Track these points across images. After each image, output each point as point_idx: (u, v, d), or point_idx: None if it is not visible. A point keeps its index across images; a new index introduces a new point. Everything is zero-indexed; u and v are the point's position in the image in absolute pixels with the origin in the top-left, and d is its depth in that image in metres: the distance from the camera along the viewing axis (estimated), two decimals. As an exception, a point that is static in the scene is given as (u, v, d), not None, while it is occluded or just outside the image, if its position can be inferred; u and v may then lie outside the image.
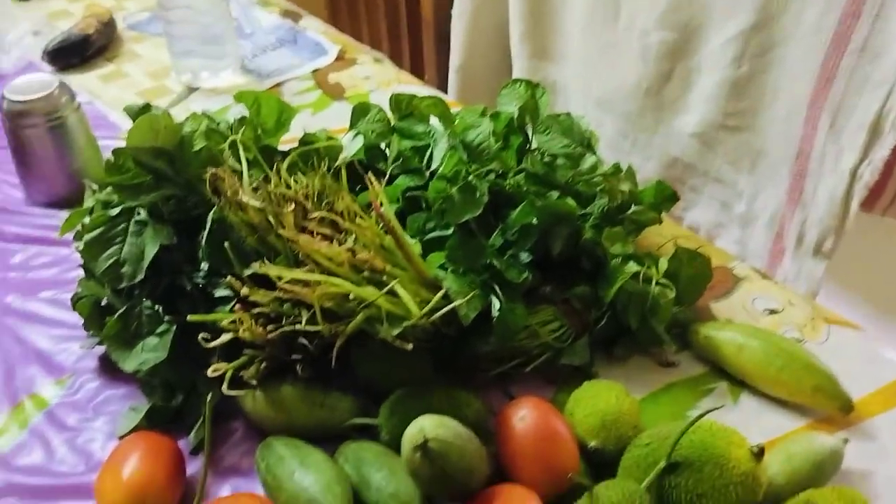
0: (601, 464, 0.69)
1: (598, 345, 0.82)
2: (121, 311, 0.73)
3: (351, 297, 0.66)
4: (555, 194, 0.80)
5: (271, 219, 0.71)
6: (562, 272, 0.82)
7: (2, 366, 0.83)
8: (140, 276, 0.73)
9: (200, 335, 0.68)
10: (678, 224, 1.14)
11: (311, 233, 0.70)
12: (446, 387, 0.73)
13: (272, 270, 0.66)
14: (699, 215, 1.14)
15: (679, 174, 1.14)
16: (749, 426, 0.71)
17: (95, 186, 0.80)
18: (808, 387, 0.75)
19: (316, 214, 0.70)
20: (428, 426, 0.60)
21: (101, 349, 0.82)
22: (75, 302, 0.80)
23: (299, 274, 0.66)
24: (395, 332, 0.65)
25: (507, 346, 0.76)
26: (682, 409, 0.78)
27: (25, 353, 0.85)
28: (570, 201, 0.80)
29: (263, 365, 0.73)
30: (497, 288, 0.75)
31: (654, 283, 0.79)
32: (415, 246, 0.75)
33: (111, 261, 0.73)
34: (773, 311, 0.89)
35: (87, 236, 0.73)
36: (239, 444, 0.75)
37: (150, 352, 0.72)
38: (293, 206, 0.70)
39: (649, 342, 0.82)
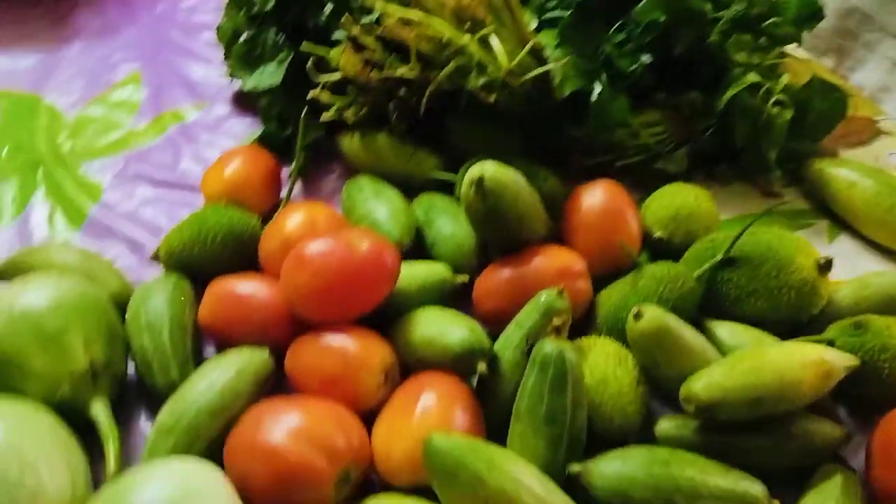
0: (666, 255, 0.68)
1: (700, 160, 0.79)
2: (249, 35, 0.79)
3: (444, 40, 0.67)
4: (688, -10, 0.75)
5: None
6: (679, 79, 0.78)
7: (154, 84, 0.94)
8: (270, 5, 0.78)
9: (310, 62, 0.73)
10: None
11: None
12: (530, 161, 0.74)
13: (378, 4, 0.69)
14: (866, 76, 1.02)
15: (854, 27, 1.02)
16: (840, 267, 0.67)
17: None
18: (912, 231, 0.70)
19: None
20: (488, 166, 0.62)
21: (239, 84, 0.90)
22: (218, 30, 0.88)
23: (402, 10, 0.68)
24: (481, 81, 0.67)
25: (603, 137, 0.76)
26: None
27: (176, 79, 0.95)
28: (704, 1, 0.75)
29: (364, 110, 0.77)
30: (604, 76, 0.73)
31: (772, 100, 0.74)
32: (528, 16, 0.74)
33: (246, -13, 0.79)
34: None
35: (228, -36, 0.79)
36: (335, 181, 0.81)
37: (268, 76, 0.78)
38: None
39: (756, 167, 0.78)
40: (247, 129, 0.87)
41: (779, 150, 0.78)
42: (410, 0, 0.71)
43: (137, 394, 0.63)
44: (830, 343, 0.58)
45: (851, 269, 0.71)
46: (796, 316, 0.61)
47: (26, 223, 0.77)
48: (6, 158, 0.84)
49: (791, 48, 0.97)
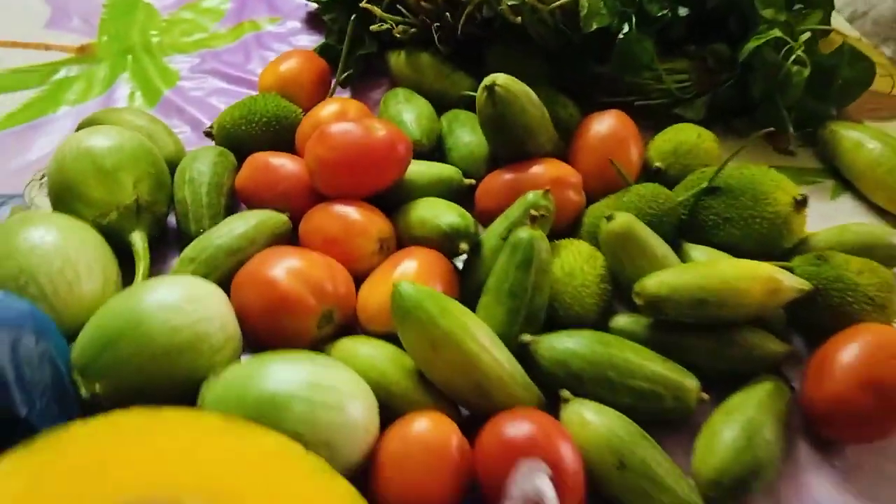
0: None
1: (721, 113, 0.82)
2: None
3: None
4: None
5: None
6: (709, 32, 0.82)
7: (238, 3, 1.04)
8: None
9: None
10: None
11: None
12: (553, 89, 0.79)
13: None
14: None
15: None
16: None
17: None
18: (911, 194, 0.72)
19: None
20: (502, 76, 0.68)
21: (314, 6, 0.99)
22: (298, -50, 0.96)
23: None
24: (510, 1, 0.72)
25: (626, 76, 0.80)
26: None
27: (259, -4, 1.05)
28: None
29: (413, 30, 0.84)
30: (633, 18, 0.77)
31: (791, 58, 0.77)
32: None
33: None
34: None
35: None
36: (381, 94, 0.88)
37: (332, -12, 0.86)
38: None
39: (771, 122, 0.80)
40: (313, 43, 0.96)
41: (800, 111, 0.80)
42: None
43: (175, 241, 0.72)
44: (790, 269, 0.61)
45: (847, 226, 0.73)
46: (767, 245, 0.64)
47: (110, 97, 0.88)
48: (104, 44, 0.96)
49: (849, 31, 0.98)
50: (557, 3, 0.73)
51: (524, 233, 0.59)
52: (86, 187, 0.65)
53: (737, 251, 0.64)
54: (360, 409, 0.52)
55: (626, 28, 0.77)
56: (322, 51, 0.90)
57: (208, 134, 0.78)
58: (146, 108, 0.87)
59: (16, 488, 0.36)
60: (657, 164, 0.72)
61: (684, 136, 0.73)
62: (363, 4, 0.81)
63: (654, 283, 0.57)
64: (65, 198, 0.66)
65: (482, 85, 0.68)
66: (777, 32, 0.76)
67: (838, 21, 1.03)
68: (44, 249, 0.59)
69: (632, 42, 0.77)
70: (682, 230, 0.67)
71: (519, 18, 0.73)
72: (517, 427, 0.51)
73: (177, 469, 0.39)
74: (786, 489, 0.56)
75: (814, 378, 0.57)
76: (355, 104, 0.76)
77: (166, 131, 0.77)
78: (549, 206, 0.63)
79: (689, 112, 0.81)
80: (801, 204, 0.63)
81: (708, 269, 0.58)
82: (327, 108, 0.74)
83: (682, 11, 0.80)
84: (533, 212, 0.61)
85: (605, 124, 0.72)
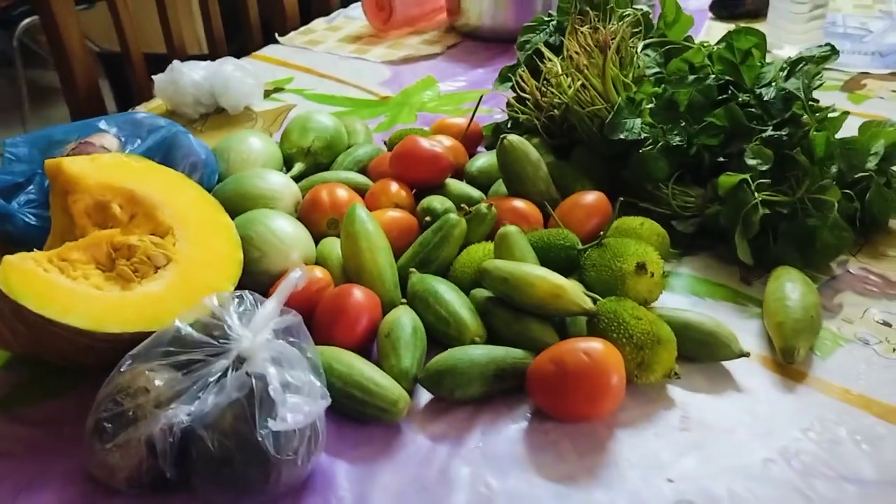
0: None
1: (711, 238, 0.95)
2: (510, 66, 1.25)
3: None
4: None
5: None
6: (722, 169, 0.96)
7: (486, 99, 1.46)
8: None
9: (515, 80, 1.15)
10: None
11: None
12: (583, 174, 1.02)
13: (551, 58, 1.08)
14: None
15: None
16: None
17: None
18: (774, 322, 0.79)
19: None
20: (514, 135, 0.96)
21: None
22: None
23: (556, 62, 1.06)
24: (560, 103, 1.00)
25: (639, 183, 0.99)
26: (700, 293, 0.89)
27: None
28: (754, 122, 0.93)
29: (535, 121, 1.15)
30: (660, 147, 0.97)
31: (755, 199, 0.88)
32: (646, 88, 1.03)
33: None
34: (885, 323, 0.83)
35: None
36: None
37: (503, 87, 1.23)
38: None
39: (734, 250, 0.91)
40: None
41: (774, 255, 0.90)
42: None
43: (330, 186, 1.15)
44: (594, 299, 0.77)
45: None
46: (607, 293, 0.80)
47: (370, 120, 1.37)
48: (395, 98, 1.47)
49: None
50: (589, 109, 0.99)
51: (451, 214, 0.88)
52: (291, 133, 1.13)
53: (591, 290, 0.82)
54: (297, 252, 0.87)
55: (651, 151, 0.97)
56: (493, 126, 1.26)
57: (384, 142, 1.21)
58: (381, 130, 1.33)
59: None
60: (601, 233, 0.91)
61: (630, 221, 0.91)
62: (509, 99, 1.16)
63: (488, 262, 0.81)
64: (283, 137, 1.15)
65: (501, 138, 0.97)
66: (739, 176, 0.89)
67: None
68: (243, 144, 1.07)
69: (649, 158, 0.97)
70: (578, 269, 0.86)
71: (556, 111, 1.00)
72: (356, 289, 0.81)
73: (156, 186, 0.83)
74: (487, 413, 0.73)
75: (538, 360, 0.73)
76: (454, 141, 1.11)
77: (367, 134, 1.22)
78: (484, 213, 0.90)
79: (680, 226, 0.96)
80: (640, 268, 0.79)
81: (527, 266, 0.79)
82: (438, 137, 1.10)
83: (723, 160, 0.97)
84: (464, 206, 0.89)
85: (585, 197, 0.95)
